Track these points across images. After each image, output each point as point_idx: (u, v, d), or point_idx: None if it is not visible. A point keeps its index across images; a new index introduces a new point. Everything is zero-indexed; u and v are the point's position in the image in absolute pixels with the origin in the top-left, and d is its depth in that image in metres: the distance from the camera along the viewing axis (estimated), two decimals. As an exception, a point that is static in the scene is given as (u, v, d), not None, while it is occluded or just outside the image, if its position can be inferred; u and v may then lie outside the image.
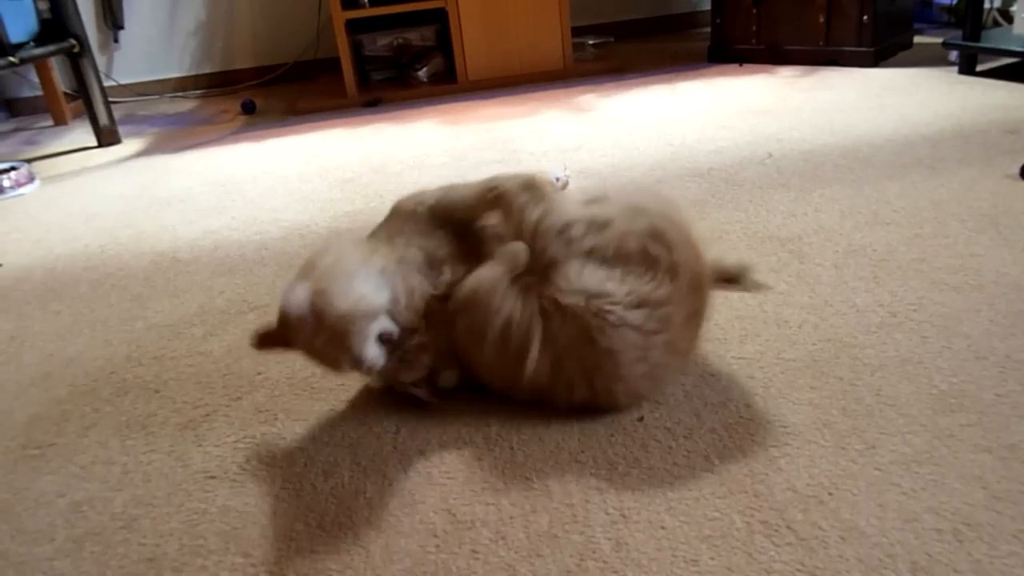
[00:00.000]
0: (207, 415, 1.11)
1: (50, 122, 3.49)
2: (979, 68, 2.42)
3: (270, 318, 1.35)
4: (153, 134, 3.01)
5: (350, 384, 1.13)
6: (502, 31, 3.02)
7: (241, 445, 1.03)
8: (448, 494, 0.89)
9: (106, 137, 2.89)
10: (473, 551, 0.80)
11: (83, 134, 3.14)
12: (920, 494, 0.81)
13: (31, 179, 2.45)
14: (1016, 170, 1.59)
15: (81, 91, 2.83)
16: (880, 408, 0.94)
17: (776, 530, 0.78)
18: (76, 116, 3.55)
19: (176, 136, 2.92)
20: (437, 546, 0.81)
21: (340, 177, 2.14)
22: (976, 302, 1.15)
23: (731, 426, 0.94)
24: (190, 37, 3.77)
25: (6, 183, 2.38)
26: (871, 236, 1.40)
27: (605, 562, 0.77)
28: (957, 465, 0.84)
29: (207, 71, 3.82)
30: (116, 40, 3.70)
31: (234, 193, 2.12)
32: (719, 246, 1.43)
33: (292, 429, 1.05)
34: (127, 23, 3.67)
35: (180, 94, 3.79)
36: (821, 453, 0.88)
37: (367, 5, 3.00)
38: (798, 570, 0.73)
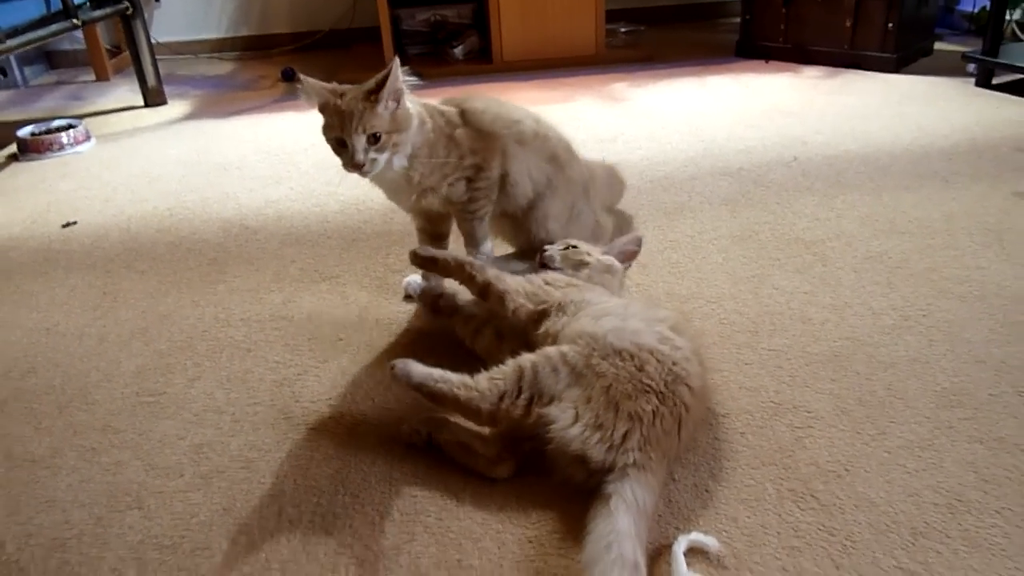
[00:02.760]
0: (299, 374, 1.26)
1: (90, 76, 3.60)
2: (995, 81, 2.54)
3: (343, 288, 1.51)
4: (197, 96, 3.13)
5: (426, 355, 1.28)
6: (539, 14, 3.13)
7: (335, 402, 1.18)
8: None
9: (153, 97, 3.01)
10: (546, 501, 0.96)
11: (127, 92, 3.25)
12: (921, 474, 0.97)
13: (88, 137, 2.58)
14: (1022, 189, 1.73)
15: (131, 51, 2.94)
16: (891, 400, 1.10)
17: (801, 497, 0.94)
18: (116, 72, 3.66)
19: (220, 100, 3.04)
20: (518, 497, 0.98)
21: (388, 154, 2.27)
22: (978, 311, 1.31)
23: (763, 408, 1.10)
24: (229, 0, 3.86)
25: (65, 140, 2.51)
26: (887, 244, 1.55)
27: (660, 516, 0.93)
28: (953, 452, 1.00)
29: (244, 34, 3.92)
30: (158, 0, 3.79)
31: (288, 164, 2.25)
32: (750, 244, 1.58)
33: (379, 392, 1.20)
34: (169, -17, 3.76)
35: (217, 55, 3.89)
36: (839, 436, 1.04)
37: (409, -18, 3.10)
38: (819, 529, 0.90)
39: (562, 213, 1.41)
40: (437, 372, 1.01)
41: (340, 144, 1.21)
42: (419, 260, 1.21)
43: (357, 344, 1.33)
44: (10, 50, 2.21)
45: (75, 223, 1.94)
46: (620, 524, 0.84)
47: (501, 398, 0.97)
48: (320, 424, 1.14)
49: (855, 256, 1.51)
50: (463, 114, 1.32)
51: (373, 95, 1.18)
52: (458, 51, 3.30)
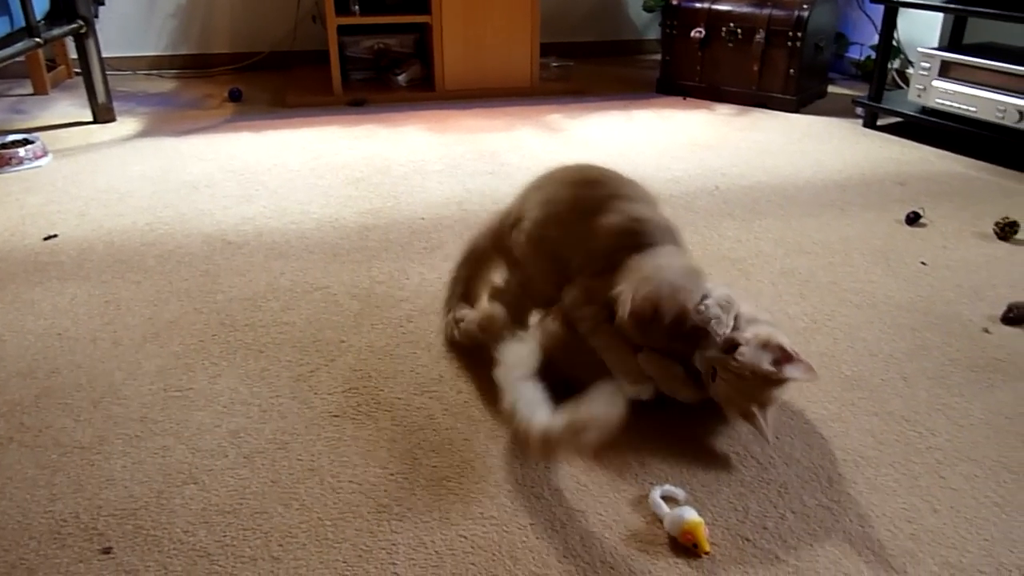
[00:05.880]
0: (312, 371, 1.44)
1: (25, 89, 3.61)
2: (879, 123, 2.95)
3: (335, 297, 1.69)
4: (145, 114, 3.21)
5: (423, 353, 1.49)
6: (479, 47, 3.38)
7: (350, 394, 1.37)
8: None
9: (102, 114, 3.08)
10: (546, 466, 1.18)
11: (70, 107, 3.30)
12: (833, 440, 1.24)
13: (45, 152, 2.64)
14: (902, 217, 2.09)
15: (82, 68, 3.00)
16: (807, 385, 1.38)
17: (744, 458, 1.20)
18: (54, 86, 3.68)
19: (171, 118, 3.13)
20: (521, 464, 1.19)
21: (350, 176, 2.46)
22: (871, 316, 1.62)
23: (708, 393, 1.36)
24: (169, 18, 3.94)
25: (23, 154, 2.57)
26: (797, 262, 1.86)
27: (636, 475, 1.16)
28: (856, 423, 1.29)
29: (183, 52, 4.00)
30: (96, 15, 3.82)
31: (255, 183, 2.40)
32: (685, 262, 1.86)
33: (386, 384, 1.40)
34: (108, -1, 3.81)
35: (155, 72, 3.95)
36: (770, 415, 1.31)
37: (358, 13, 3.29)
38: (759, 480, 1.15)
39: None
40: None
41: None
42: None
43: (359, 346, 1.52)
44: (-16, 68, 2.27)
45: (56, 236, 2.03)
46: None
47: None
48: (340, 411, 1.32)
49: (772, 272, 1.81)
50: None
51: None
52: (401, 79, 3.51)
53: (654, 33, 4.36)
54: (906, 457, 1.21)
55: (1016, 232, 1.97)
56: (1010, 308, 1.60)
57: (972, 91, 2.56)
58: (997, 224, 1.99)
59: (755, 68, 3.19)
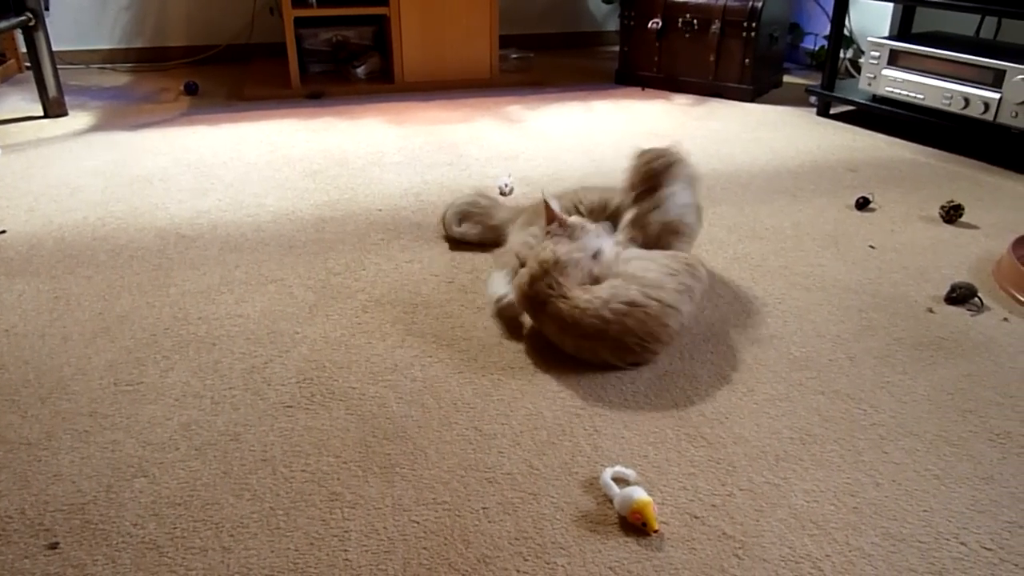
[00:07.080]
0: (266, 363, 1.43)
1: (-26, 85, 3.52)
2: (832, 111, 3.00)
3: (290, 289, 1.68)
4: (99, 108, 3.15)
5: (378, 342, 1.49)
6: (438, 38, 3.37)
7: (304, 384, 1.36)
8: (474, 416, 1.27)
9: (54, 108, 3.02)
10: (499, 452, 1.19)
11: (20, 101, 3.23)
12: (781, 418, 1.27)
13: (-6, 148, 2.58)
14: (852, 202, 2.13)
15: (32, 62, 2.94)
16: (756, 366, 1.41)
17: (693, 438, 1.22)
18: (3, 80, 3.59)
19: (125, 112, 3.08)
20: (473, 449, 1.20)
21: (308, 168, 2.44)
22: (820, 299, 1.65)
23: (659, 376, 1.38)
24: (123, 11, 3.87)
25: (-30, 150, 2.51)
26: (750, 247, 1.89)
27: (587, 457, 1.18)
28: (803, 401, 1.31)
29: (138, 45, 3.93)
30: (47, 8, 3.74)
31: (211, 176, 2.37)
32: (640, 249, 1.87)
33: (340, 374, 1.39)
34: (59, -8, 3.73)
35: (109, 66, 3.88)
36: (720, 393, 1.33)
37: (315, 5, 3.26)
38: (708, 460, 1.17)
39: None
40: None
41: None
42: None
43: (313, 336, 1.51)
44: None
45: (4, 232, 1.99)
46: None
47: None
48: (294, 402, 1.32)
49: (725, 257, 1.84)
50: None
51: None
52: (360, 71, 3.48)
53: (613, 25, 4.38)
54: (851, 433, 1.24)
55: (961, 215, 2.02)
56: (953, 288, 1.64)
57: (920, 79, 2.62)
58: (943, 208, 2.04)
59: (711, 58, 3.22)
